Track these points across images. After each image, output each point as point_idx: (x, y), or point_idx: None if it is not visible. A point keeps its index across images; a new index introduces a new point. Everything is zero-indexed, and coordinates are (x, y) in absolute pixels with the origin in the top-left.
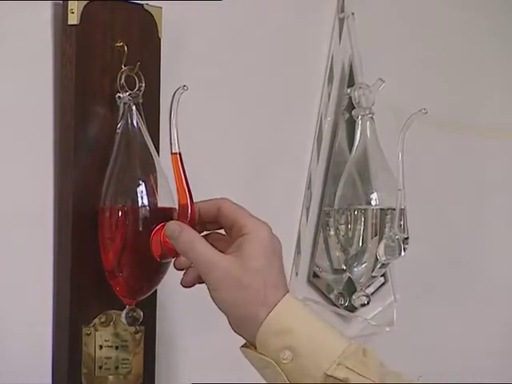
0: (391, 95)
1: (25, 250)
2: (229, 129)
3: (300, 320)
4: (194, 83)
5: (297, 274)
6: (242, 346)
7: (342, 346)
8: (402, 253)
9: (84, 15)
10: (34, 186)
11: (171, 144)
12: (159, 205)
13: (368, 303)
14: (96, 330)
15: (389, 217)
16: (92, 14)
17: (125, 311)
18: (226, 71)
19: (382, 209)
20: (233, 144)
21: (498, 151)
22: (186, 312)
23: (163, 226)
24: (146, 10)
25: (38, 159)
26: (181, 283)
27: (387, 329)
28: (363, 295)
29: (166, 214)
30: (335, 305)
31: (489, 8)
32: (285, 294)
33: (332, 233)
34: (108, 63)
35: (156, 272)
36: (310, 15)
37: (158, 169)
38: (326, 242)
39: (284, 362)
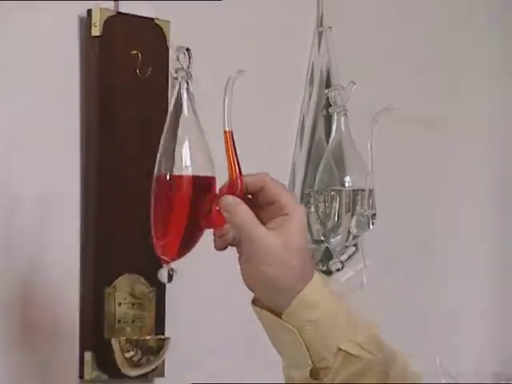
0: (363, 95)
1: (55, 220)
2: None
3: (325, 296)
4: (195, 84)
5: None
6: (256, 306)
7: (355, 323)
8: (371, 226)
9: (105, 28)
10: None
11: (224, 122)
12: (203, 174)
13: (342, 268)
14: (115, 291)
15: (359, 196)
16: (111, 27)
17: (165, 269)
18: (223, 74)
19: (354, 190)
20: (237, 121)
21: (456, 140)
22: (193, 275)
23: (214, 197)
24: (156, 24)
25: (59, 157)
26: (215, 247)
27: (358, 290)
28: (338, 262)
29: (209, 183)
30: (315, 269)
31: (457, 8)
32: (313, 271)
33: (312, 210)
34: (125, 68)
35: (195, 237)
36: (294, 28)
37: (204, 145)
38: (307, 218)
39: (306, 332)
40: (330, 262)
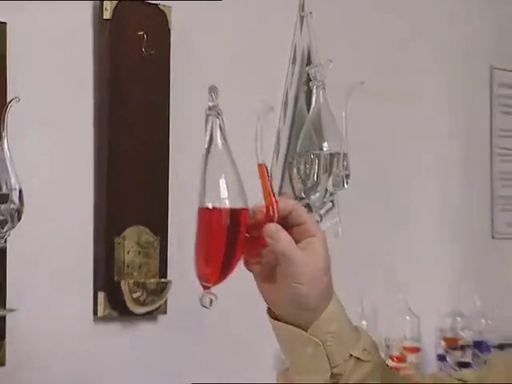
0: (339, 71)
1: (73, 182)
2: (222, 99)
3: (338, 309)
4: (196, 64)
5: None
6: (274, 320)
7: (356, 330)
8: (345, 185)
9: (115, 12)
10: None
11: (257, 156)
12: (239, 206)
13: (321, 221)
14: (124, 240)
15: (335, 159)
16: (120, 12)
17: (206, 295)
18: (217, 54)
19: (330, 153)
20: (226, 106)
21: (417, 109)
22: (192, 226)
23: (248, 226)
24: (160, 9)
25: (78, 120)
26: (248, 267)
27: (334, 239)
28: (317, 215)
29: (244, 214)
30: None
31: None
32: (332, 287)
33: (295, 171)
34: (132, 47)
35: (233, 264)
36: (279, 14)
37: (238, 176)
38: (290, 177)
39: (329, 344)
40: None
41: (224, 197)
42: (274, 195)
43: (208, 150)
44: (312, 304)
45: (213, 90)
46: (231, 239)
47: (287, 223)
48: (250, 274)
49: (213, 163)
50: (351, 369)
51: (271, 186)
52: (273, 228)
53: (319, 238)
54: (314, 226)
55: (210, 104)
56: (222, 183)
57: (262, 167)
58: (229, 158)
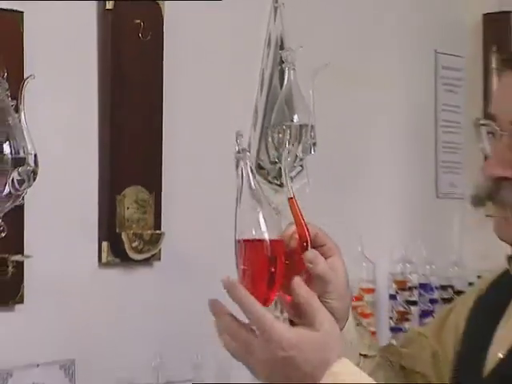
0: (307, 54)
1: (82, 150)
2: (207, 77)
3: (352, 317)
4: (185, 47)
5: None
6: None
7: (361, 330)
8: (312, 152)
9: (116, 3)
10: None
11: (288, 191)
12: (276, 237)
13: (292, 181)
14: (124, 198)
15: (304, 130)
16: (121, 3)
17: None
18: (203, 39)
19: (300, 124)
20: (208, 85)
21: (374, 88)
22: (183, 186)
23: (285, 253)
24: (155, 1)
25: (85, 95)
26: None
27: (303, 195)
28: (289, 177)
29: (281, 243)
30: (270, 182)
31: None
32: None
33: (270, 139)
34: (131, 33)
35: (276, 286)
36: (257, 5)
37: (271, 211)
38: (266, 145)
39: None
40: (282, 178)
41: (264, 230)
42: (306, 225)
43: (241, 190)
44: (340, 316)
45: (239, 135)
46: (274, 266)
47: (313, 245)
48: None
49: (247, 201)
50: (361, 366)
51: (303, 217)
52: (312, 254)
53: (338, 257)
54: (333, 246)
55: (238, 148)
56: (261, 218)
57: (292, 201)
58: (262, 196)
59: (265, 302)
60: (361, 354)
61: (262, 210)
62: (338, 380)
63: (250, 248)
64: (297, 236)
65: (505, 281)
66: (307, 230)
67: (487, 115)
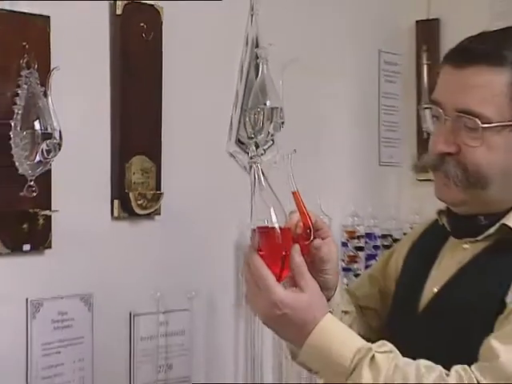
0: (278, 51)
1: (95, 130)
2: (198, 69)
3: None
4: (180, 45)
5: (230, 139)
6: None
7: (340, 289)
8: (281, 129)
9: (124, 10)
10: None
11: (292, 186)
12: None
13: (264, 153)
14: (131, 165)
15: (275, 111)
16: (128, 10)
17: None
18: (195, 38)
19: (271, 107)
20: (198, 75)
21: (329, 79)
22: (180, 147)
23: (292, 238)
24: (155, 8)
25: (99, 81)
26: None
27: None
28: (262, 149)
29: (289, 232)
30: (247, 153)
31: None
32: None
33: (247, 119)
34: (137, 35)
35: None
36: (236, 11)
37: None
38: (244, 123)
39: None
40: (257, 150)
41: (275, 221)
42: (309, 216)
43: (254, 188)
44: (332, 285)
45: (252, 146)
46: (284, 250)
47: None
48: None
49: (259, 197)
50: (343, 320)
51: (306, 209)
52: (318, 242)
53: (331, 238)
54: (327, 229)
55: (252, 155)
56: (272, 212)
57: (295, 194)
58: (271, 193)
59: (278, 279)
60: (342, 311)
61: (272, 204)
62: (324, 332)
63: (265, 236)
64: (301, 224)
65: (435, 229)
66: (310, 218)
67: (432, 101)
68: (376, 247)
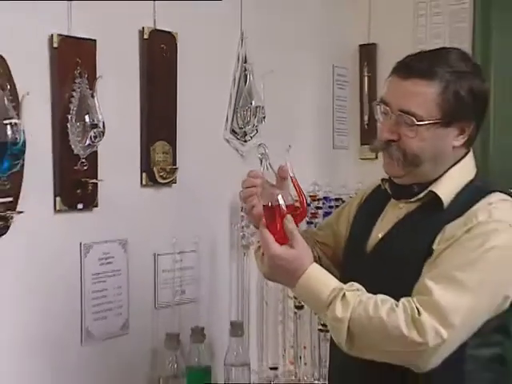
0: (260, 65)
1: (127, 115)
2: (203, 78)
3: None
4: (190, 60)
5: (226, 129)
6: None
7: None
8: (263, 122)
9: (150, 34)
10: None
11: (290, 173)
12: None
13: (250, 140)
14: (155, 148)
15: (258, 109)
16: (153, 34)
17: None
18: (200, 55)
19: (256, 106)
20: (204, 82)
21: (298, 81)
22: (191, 134)
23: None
24: (172, 34)
25: (132, 87)
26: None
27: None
28: (249, 137)
29: (291, 208)
30: (239, 139)
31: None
32: None
33: (239, 115)
34: (158, 53)
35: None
36: (231, 38)
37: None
38: (236, 118)
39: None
40: (248, 137)
41: (282, 203)
42: (304, 197)
43: (263, 167)
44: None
45: (263, 145)
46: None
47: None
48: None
49: (268, 183)
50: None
51: (301, 189)
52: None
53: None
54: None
55: (262, 151)
56: (279, 195)
57: (293, 179)
58: (274, 173)
59: (280, 242)
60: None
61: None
62: (309, 277)
63: (268, 211)
64: (297, 203)
65: (379, 192)
66: (304, 198)
67: (382, 100)
68: (330, 207)
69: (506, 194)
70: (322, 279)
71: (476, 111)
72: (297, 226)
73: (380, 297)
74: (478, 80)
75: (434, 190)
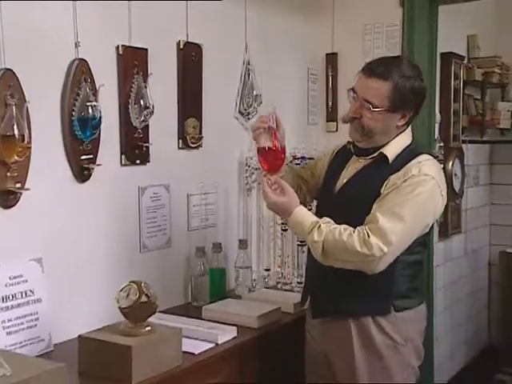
0: (259, 66)
1: (168, 102)
2: (221, 76)
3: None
4: (211, 64)
5: (235, 110)
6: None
7: None
8: (260, 105)
9: (184, 46)
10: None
11: (271, 122)
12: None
13: (252, 117)
14: (188, 123)
15: (258, 96)
16: (186, 45)
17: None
18: (219, 61)
19: (255, 95)
20: (221, 79)
21: (283, 80)
22: (213, 116)
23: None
24: (199, 45)
25: (171, 86)
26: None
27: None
28: (251, 115)
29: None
30: (244, 117)
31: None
32: None
33: (244, 101)
34: (190, 58)
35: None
36: (238, 47)
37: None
38: (242, 103)
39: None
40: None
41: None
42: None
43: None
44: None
45: (273, 108)
46: (275, 157)
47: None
48: None
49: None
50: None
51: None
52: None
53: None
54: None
55: (272, 120)
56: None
57: (275, 134)
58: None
59: (271, 172)
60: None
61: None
62: (297, 215)
63: (263, 151)
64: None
65: (345, 151)
66: (277, 141)
67: (352, 89)
68: (305, 163)
69: (429, 154)
70: (305, 216)
71: (415, 103)
72: (281, 168)
73: (343, 226)
74: (418, 81)
75: (383, 151)
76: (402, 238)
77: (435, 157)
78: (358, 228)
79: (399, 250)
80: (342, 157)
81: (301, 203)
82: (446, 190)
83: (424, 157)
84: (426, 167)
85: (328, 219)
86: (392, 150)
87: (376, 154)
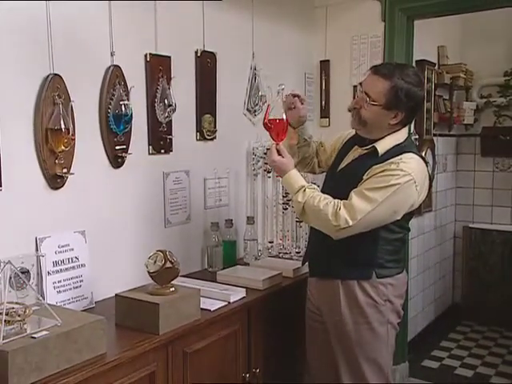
0: (263, 71)
1: (187, 100)
2: (232, 79)
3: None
4: (223, 68)
5: (244, 108)
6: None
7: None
8: (265, 105)
9: (201, 54)
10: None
11: (281, 98)
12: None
13: (259, 112)
14: (204, 118)
15: (263, 95)
16: (203, 53)
17: (274, 145)
18: (228, 63)
19: (261, 95)
20: (232, 81)
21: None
22: (225, 108)
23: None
24: (214, 53)
25: (189, 87)
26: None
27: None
28: (258, 111)
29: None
30: (251, 113)
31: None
32: None
33: (252, 100)
34: (206, 65)
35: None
36: (246, 54)
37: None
38: (250, 101)
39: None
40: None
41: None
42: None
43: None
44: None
45: (281, 87)
46: (282, 127)
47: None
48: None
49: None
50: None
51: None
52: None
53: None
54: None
55: (281, 87)
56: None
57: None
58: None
59: (278, 139)
60: (304, 139)
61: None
62: (290, 176)
63: (275, 122)
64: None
65: (351, 139)
66: (285, 115)
67: (360, 84)
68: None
69: (415, 153)
70: (296, 178)
71: (408, 107)
72: (284, 137)
73: (324, 195)
74: (415, 88)
75: (376, 145)
76: (367, 217)
77: (422, 157)
78: (335, 200)
79: (362, 227)
80: (348, 144)
81: (299, 171)
82: (424, 185)
83: (408, 155)
84: (405, 164)
85: (314, 186)
86: (383, 145)
87: (370, 147)
